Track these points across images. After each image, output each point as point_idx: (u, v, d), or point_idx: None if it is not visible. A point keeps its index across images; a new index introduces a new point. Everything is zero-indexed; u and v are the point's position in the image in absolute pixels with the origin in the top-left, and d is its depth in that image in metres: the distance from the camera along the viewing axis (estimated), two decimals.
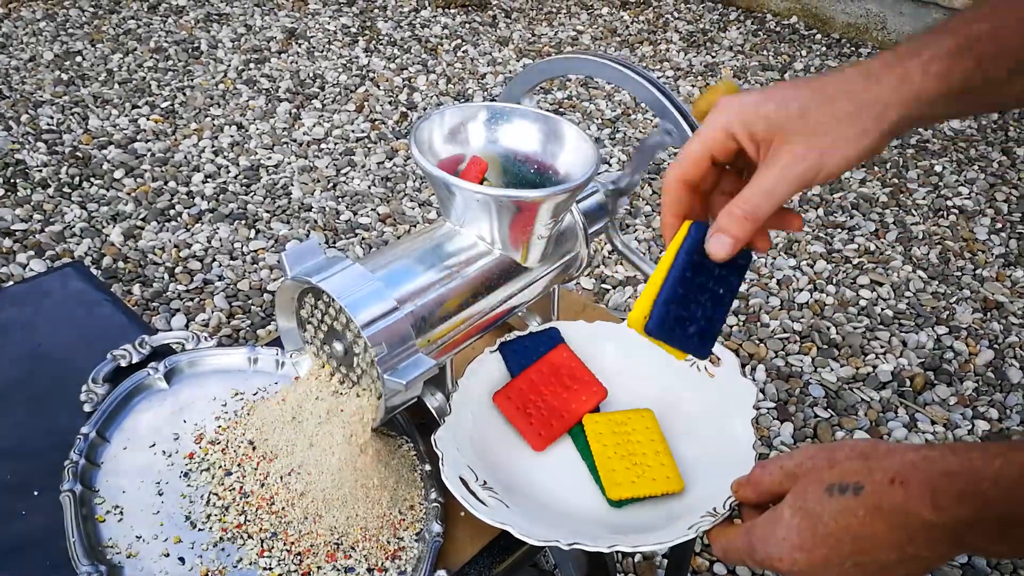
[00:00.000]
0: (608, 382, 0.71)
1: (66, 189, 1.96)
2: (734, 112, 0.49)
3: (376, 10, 2.95)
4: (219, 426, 0.66)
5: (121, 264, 1.76)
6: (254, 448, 0.63)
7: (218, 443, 0.65)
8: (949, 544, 0.44)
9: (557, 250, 0.71)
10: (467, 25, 2.89)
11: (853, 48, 2.84)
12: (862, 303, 1.78)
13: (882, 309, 1.76)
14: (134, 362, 0.72)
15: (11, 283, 1.66)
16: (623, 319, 0.76)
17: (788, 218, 0.53)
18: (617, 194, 0.76)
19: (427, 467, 0.65)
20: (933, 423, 1.52)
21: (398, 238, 1.88)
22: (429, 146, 0.65)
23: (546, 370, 0.70)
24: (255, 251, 1.82)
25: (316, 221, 1.92)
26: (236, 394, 0.70)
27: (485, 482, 0.60)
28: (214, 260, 1.79)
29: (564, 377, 0.70)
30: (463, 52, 2.71)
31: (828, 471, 0.49)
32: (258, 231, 1.88)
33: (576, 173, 0.66)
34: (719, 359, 0.70)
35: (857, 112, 0.48)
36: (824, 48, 2.85)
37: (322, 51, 2.65)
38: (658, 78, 0.77)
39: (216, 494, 0.61)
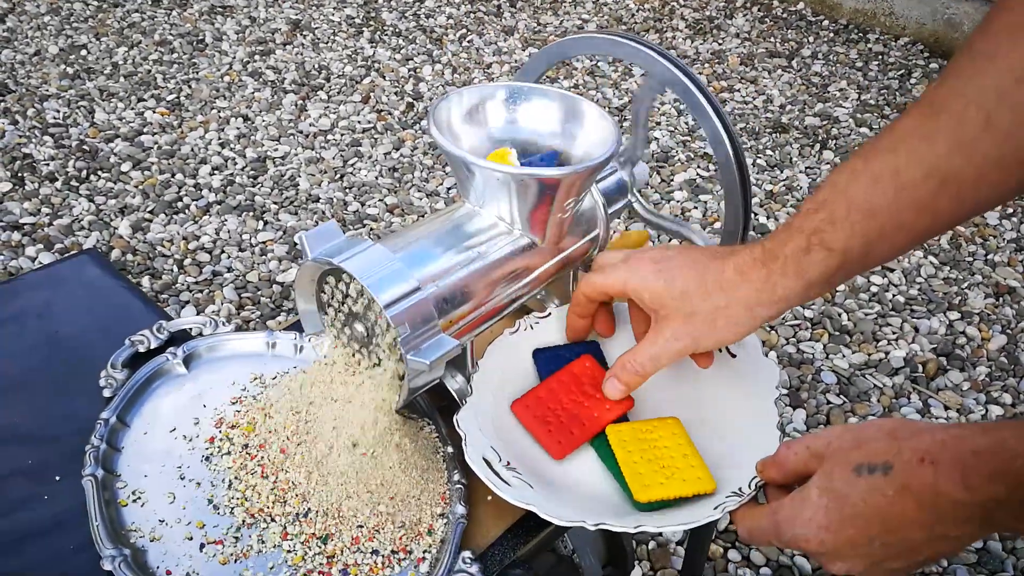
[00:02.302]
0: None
1: (73, 182, 1.96)
2: (630, 279, 0.61)
3: (381, 0, 2.94)
4: (239, 410, 0.66)
5: (130, 257, 1.75)
6: (275, 432, 0.62)
7: (239, 427, 0.64)
8: (979, 523, 0.44)
9: (576, 231, 0.71)
10: (472, 15, 2.88)
11: (861, 34, 2.83)
12: (873, 289, 1.77)
13: (894, 295, 1.75)
14: (152, 347, 0.72)
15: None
16: None
17: (697, 358, 0.66)
18: (632, 164, 0.76)
19: (449, 449, 0.65)
20: (947, 408, 1.51)
21: None
22: (448, 126, 0.65)
23: (567, 379, 0.68)
24: (263, 242, 1.82)
25: (324, 212, 1.92)
26: (255, 378, 0.70)
27: (508, 462, 0.60)
28: (223, 252, 1.79)
29: (586, 386, 0.67)
30: (468, 42, 2.70)
31: (855, 451, 0.48)
32: (266, 222, 1.88)
33: (596, 152, 0.65)
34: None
35: (728, 307, 0.58)
36: (831, 34, 2.84)
37: (327, 42, 2.65)
38: None
39: (238, 478, 0.61)
